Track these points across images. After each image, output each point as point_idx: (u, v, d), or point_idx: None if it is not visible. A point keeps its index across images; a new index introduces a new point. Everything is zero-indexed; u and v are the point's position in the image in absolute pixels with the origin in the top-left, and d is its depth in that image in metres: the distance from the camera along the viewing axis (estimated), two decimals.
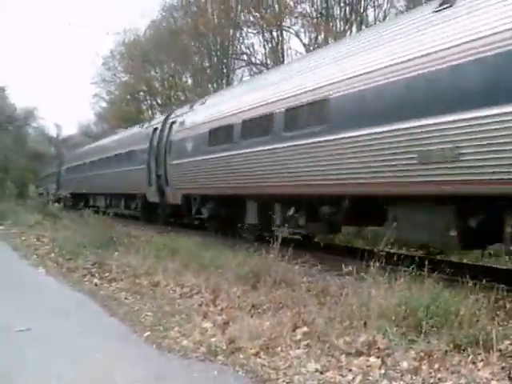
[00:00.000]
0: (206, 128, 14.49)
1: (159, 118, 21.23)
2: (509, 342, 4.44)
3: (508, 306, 5.34)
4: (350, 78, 8.85)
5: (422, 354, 4.39)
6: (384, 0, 24.89)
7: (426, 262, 5.97)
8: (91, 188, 27.62)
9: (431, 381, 4.01)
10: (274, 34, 28.06)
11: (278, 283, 7.12)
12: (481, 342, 4.37)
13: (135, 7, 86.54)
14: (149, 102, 44.67)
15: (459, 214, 7.39)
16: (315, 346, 4.79)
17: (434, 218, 7.73)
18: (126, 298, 7.35)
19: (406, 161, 7.62)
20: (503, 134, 6.19)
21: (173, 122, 17.71)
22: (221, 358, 4.73)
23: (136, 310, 6.62)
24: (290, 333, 5.13)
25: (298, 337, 5.05)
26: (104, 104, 52.94)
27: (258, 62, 30.45)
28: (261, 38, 29.52)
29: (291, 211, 11.20)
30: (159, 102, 42.06)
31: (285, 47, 28.28)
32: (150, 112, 43.09)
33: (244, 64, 31.94)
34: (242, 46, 31.77)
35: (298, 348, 4.82)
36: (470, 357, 4.28)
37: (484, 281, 5.84)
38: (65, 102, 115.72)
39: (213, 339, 5.19)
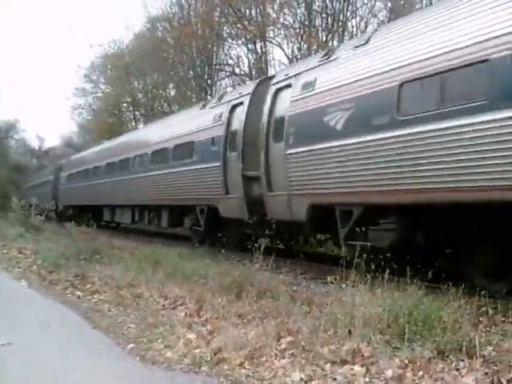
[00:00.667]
0: (387, 81, 7.99)
1: (239, 89, 14.87)
2: (492, 348, 4.46)
3: (491, 311, 5.37)
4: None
5: (406, 362, 4.39)
6: (365, 10, 25.27)
7: (408, 269, 6.00)
8: (111, 198, 21.36)
9: None
10: (258, 45, 28.25)
11: (262, 293, 7.11)
12: (464, 349, 4.39)
13: (120, 21, 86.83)
14: (132, 113, 44.57)
15: None
16: (300, 356, 4.77)
17: None
18: (109, 310, 7.27)
19: None
20: None
21: (280, 89, 11.17)
22: (205, 369, 4.69)
23: (119, 322, 6.55)
24: (274, 342, 5.09)
25: (283, 346, 5.02)
26: (87, 115, 52.79)
27: (242, 72, 30.58)
28: (244, 48, 29.73)
29: None
30: (143, 113, 41.98)
31: (268, 58, 28.49)
32: (133, 123, 43.01)
33: (228, 74, 32.05)
34: (228, 57, 31.91)
35: (283, 358, 4.79)
36: (454, 363, 4.30)
37: (463, 285, 5.85)
38: (47, 114, 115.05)
39: (197, 350, 5.15)
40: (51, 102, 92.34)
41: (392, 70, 7.88)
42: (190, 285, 8.03)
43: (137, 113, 43.38)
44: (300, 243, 12.25)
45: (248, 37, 27.46)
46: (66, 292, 8.67)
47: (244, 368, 4.63)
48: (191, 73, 33.54)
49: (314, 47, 23.67)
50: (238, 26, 27.67)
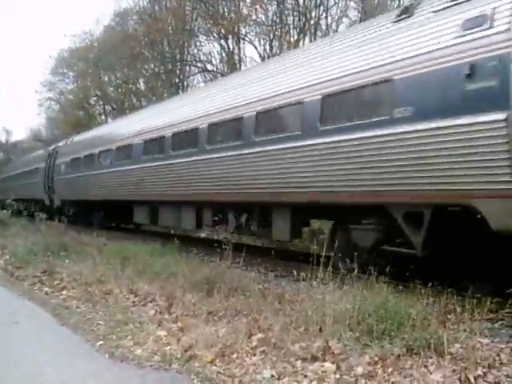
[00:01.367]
0: None
1: None
2: (459, 345, 4.54)
3: (458, 309, 5.46)
4: None
5: (376, 359, 4.44)
6: (337, 10, 25.42)
7: (372, 268, 6.07)
8: (150, 192, 14.83)
9: None
10: (230, 41, 28.16)
11: (233, 290, 7.10)
12: (432, 346, 4.46)
13: (91, 13, 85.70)
14: (102, 107, 44.00)
15: None
16: (271, 353, 4.78)
17: None
18: (77, 307, 7.19)
19: None
20: None
21: None
22: (176, 366, 4.68)
23: (88, 319, 6.47)
24: (245, 340, 5.10)
25: (254, 343, 5.03)
26: (56, 108, 51.86)
27: (213, 69, 30.45)
28: (216, 45, 29.61)
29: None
30: (114, 107, 41.46)
31: (240, 54, 28.43)
32: (103, 117, 42.43)
33: (200, 70, 31.86)
34: (200, 52, 31.71)
35: (254, 355, 4.80)
36: (422, 360, 4.36)
37: (431, 284, 5.94)
38: (14, 106, 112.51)
39: (167, 347, 5.13)
40: (19, 94, 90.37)
41: None
42: (161, 282, 7.98)
43: (107, 107, 42.82)
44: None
45: (220, 34, 27.36)
46: (34, 288, 8.54)
47: (215, 365, 4.63)
48: (162, 68, 33.24)
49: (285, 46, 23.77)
50: (210, 21, 27.53)
